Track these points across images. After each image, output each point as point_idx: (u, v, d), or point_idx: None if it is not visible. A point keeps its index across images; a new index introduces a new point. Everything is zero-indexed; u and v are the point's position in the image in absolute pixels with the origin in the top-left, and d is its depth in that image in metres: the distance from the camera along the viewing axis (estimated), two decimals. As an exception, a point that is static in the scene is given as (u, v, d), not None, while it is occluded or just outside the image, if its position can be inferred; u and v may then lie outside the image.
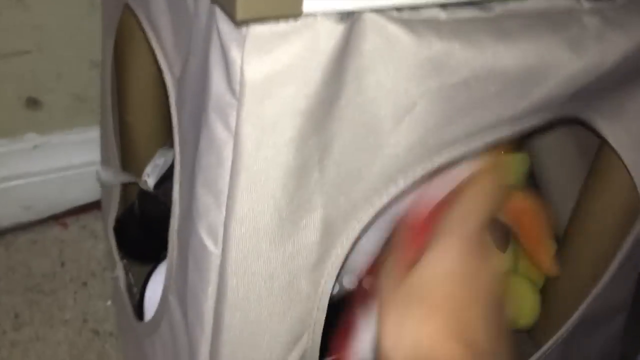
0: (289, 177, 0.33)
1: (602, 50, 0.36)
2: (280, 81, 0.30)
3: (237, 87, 0.31)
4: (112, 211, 0.65)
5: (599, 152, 0.48)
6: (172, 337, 0.47)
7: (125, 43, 0.58)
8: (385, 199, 0.36)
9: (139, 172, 0.64)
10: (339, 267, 0.38)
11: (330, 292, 0.39)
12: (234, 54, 0.30)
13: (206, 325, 0.40)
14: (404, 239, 0.40)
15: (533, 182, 0.62)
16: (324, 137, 0.33)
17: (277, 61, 0.30)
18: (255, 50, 0.30)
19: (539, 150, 0.59)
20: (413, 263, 0.37)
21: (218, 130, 0.33)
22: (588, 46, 0.35)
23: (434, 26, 0.32)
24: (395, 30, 0.31)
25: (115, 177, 0.63)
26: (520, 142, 0.59)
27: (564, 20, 0.35)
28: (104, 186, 0.68)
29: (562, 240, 0.55)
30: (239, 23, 0.28)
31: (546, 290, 0.57)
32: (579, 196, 0.51)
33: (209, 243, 0.37)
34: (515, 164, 0.59)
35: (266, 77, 0.30)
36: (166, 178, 0.62)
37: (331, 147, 0.34)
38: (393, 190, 0.36)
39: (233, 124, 0.32)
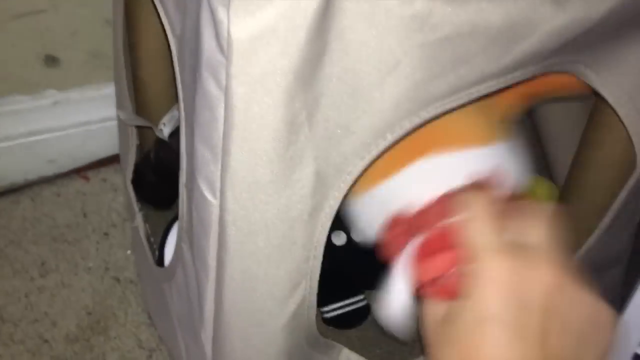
0: (279, 133, 0.35)
1: (587, 4, 0.36)
2: (265, 41, 0.31)
3: (225, 47, 0.32)
4: (130, 164, 0.68)
5: (595, 104, 0.48)
6: (185, 283, 0.49)
7: (134, 1, 0.59)
8: (374, 153, 0.37)
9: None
10: (332, 218, 0.40)
11: (324, 242, 0.41)
12: (221, 14, 0.31)
13: (210, 272, 0.42)
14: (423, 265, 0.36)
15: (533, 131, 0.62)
16: (311, 95, 0.34)
17: (261, 21, 0.31)
18: (240, 10, 0.31)
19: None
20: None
21: (211, 87, 0.35)
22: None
23: (416, -17, 0.32)
24: (377, -11, 0.32)
25: (134, 119, 0.65)
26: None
27: (548, -26, 0.35)
28: (122, 135, 0.70)
29: (561, 191, 0.55)
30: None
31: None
32: (577, 148, 0.52)
33: (208, 195, 0.39)
34: (544, 192, 0.60)
35: (252, 37, 0.31)
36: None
37: (319, 104, 0.35)
38: (382, 144, 0.37)
39: (224, 81, 0.34)
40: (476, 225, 0.33)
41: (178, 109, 0.45)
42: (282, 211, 0.38)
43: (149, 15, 0.58)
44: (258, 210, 0.38)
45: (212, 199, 0.39)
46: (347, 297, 0.66)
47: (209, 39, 0.33)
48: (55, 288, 0.72)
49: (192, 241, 0.45)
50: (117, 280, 0.73)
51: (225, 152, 0.36)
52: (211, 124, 0.36)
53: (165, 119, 0.66)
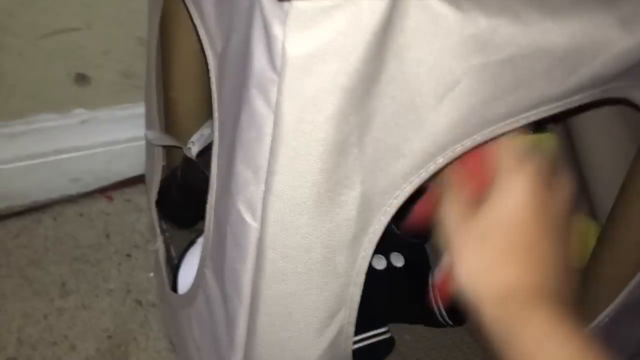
0: (328, 154, 0.33)
1: (655, 28, 0.35)
2: (321, 57, 0.30)
3: (279, 63, 0.31)
4: (155, 185, 0.67)
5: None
6: (208, 311, 0.47)
7: (170, 21, 0.58)
8: (423, 177, 0.36)
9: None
10: (376, 244, 0.38)
11: (366, 268, 0.39)
12: (276, 29, 0.30)
13: (244, 297, 0.41)
14: (460, 179, 0.40)
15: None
16: (364, 114, 0.33)
17: (319, 37, 0.30)
18: (297, 26, 0.30)
19: (585, 130, 0.57)
20: (475, 201, 0.38)
21: (259, 105, 0.33)
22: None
23: (479, 2, 0.31)
24: (439, 7, 0.31)
25: (161, 139, 0.64)
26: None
27: (615, -4, 0.34)
28: (149, 155, 0.69)
29: (606, 223, 0.53)
30: (281, -2, 0.28)
31: (588, 274, 0.55)
32: (625, 178, 0.50)
33: (247, 217, 0.38)
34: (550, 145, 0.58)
35: (308, 53, 0.30)
36: (209, 149, 0.63)
37: (371, 124, 0.34)
38: (432, 168, 0.36)
39: (274, 99, 0.32)
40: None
41: (212, 129, 0.43)
42: (324, 235, 0.37)
43: (185, 34, 0.57)
44: (300, 233, 0.37)
45: (252, 222, 0.37)
46: (373, 328, 0.64)
47: (260, 55, 0.32)
48: (75, 310, 0.71)
49: (220, 266, 0.43)
50: (139, 303, 0.72)
51: (270, 172, 0.35)
52: (256, 144, 0.35)
53: (194, 138, 0.65)
